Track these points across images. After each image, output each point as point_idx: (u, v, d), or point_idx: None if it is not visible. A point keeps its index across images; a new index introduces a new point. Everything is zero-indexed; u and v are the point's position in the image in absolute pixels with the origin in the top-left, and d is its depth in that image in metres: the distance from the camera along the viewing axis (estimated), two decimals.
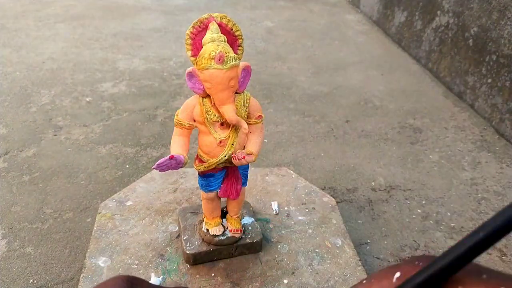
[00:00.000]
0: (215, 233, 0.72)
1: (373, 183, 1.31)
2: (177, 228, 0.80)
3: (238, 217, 0.73)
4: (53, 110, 1.60)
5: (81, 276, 0.70)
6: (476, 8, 1.76)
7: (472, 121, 1.71)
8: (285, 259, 0.75)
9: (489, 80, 1.67)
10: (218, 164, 0.62)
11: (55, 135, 1.45)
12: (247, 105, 0.59)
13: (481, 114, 1.73)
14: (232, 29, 0.57)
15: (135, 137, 1.47)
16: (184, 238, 0.73)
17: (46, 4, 2.81)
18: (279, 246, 0.77)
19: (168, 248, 0.75)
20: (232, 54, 0.54)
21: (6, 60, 1.99)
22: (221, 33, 0.55)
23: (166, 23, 2.63)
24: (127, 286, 0.18)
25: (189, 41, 0.55)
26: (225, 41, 0.55)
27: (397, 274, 0.17)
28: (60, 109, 1.61)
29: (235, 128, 0.60)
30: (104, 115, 1.59)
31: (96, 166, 1.31)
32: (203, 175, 0.65)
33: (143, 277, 0.69)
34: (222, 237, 0.72)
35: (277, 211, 0.86)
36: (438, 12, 2.06)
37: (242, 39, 0.58)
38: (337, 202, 1.04)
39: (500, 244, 1.10)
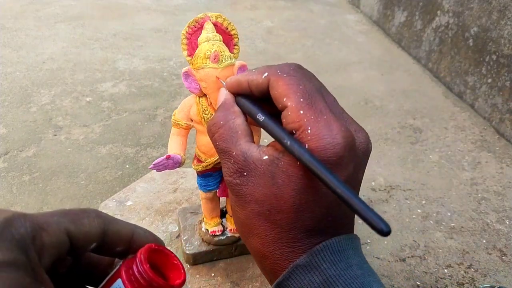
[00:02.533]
0: (214, 233, 0.72)
1: (373, 183, 1.31)
2: (177, 228, 0.80)
3: None
4: (53, 110, 1.60)
5: None
6: (476, 8, 1.76)
7: (472, 121, 1.71)
8: None
9: (489, 80, 1.67)
10: (216, 164, 0.62)
11: (55, 135, 1.45)
12: None
13: (481, 114, 1.73)
14: (227, 28, 0.57)
15: (135, 137, 1.47)
16: (184, 238, 0.73)
17: (46, 4, 2.82)
18: None
19: (168, 248, 0.75)
20: (227, 53, 0.54)
21: (6, 60, 1.99)
22: (217, 32, 0.55)
23: (166, 23, 2.63)
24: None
25: (185, 41, 0.55)
26: (220, 40, 0.55)
27: (265, 74, 0.24)
28: (60, 109, 1.61)
29: None
30: (104, 115, 1.60)
31: (96, 166, 1.31)
32: (201, 174, 0.65)
33: None
34: (221, 237, 0.72)
35: None
36: (438, 12, 2.06)
37: (238, 38, 0.58)
38: None
39: (500, 244, 1.10)
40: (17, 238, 0.16)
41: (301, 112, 0.22)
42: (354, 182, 0.24)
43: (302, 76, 0.24)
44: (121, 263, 0.21)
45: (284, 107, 0.23)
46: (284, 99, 0.23)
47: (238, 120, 0.26)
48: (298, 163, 0.22)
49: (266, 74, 0.24)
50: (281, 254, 0.24)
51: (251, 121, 0.27)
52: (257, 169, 0.23)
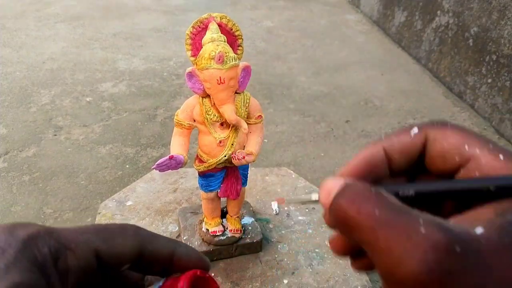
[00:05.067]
0: (215, 233, 0.72)
1: None
2: (177, 228, 0.80)
3: (238, 217, 0.73)
4: (53, 110, 1.60)
5: None
6: (476, 8, 1.76)
7: (472, 121, 1.71)
8: (285, 259, 0.75)
9: (489, 80, 1.67)
10: (218, 164, 0.62)
11: (55, 135, 1.45)
12: (247, 105, 0.59)
13: (481, 114, 1.73)
14: (232, 29, 0.57)
15: (135, 137, 1.47)
16: (184, 238, 0.73)
17: (46, 4, 2.81)
18: (279, 246, 0.77)
19: (212, 276, 0.75)
20: (232, 54, 0.54)
21: (6, 60, 1.99)
22: (221, 33, 0.55)
23: (166, 23, 2.63)
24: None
25: (189, 41, 0.56)
26: (225, 41, 0.55)
27: (415, 130, 0.19)
28: (60, 109, 1.61)
29: (235, 128, 0.60)
30: (104, 115, 1.59)
31: (96, 166, 1.31)
32: (203, 175, 0.65)
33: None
34: (222, 237, 0.72)
35: (277, 211, 0.86)
36: (438, 12, 2.06)
37: (242, 39, 0.58)
38: None
39: None
40: (39, 258, 0.15)
41: (501, 157, 0.17)
42: None
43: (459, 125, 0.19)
44: (160, 284, 0.20)
45: (468, 158, 0.18)
46: (466, 147, 0.18)
47: (415, 211, 0.16)
48: None
49: (415, 130, 0.19)
50: None
51: None
52: (475, 245, 0.15)
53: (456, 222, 0.16)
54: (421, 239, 0.14)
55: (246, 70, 0.57)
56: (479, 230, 0.15)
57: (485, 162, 0.17)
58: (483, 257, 0.14)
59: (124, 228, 0.19)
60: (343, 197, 0.17)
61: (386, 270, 0.15)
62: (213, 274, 0.71)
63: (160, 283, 0.20)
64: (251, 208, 0.81)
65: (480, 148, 0.18)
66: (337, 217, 0.16)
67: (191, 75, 0.56)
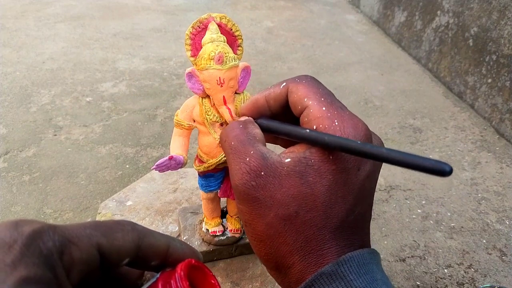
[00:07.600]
0: (215, 233, 0.72)
1: None
2: (177, 228, 0.80)
3: (238, 217, 0.73)
4: (53, 110, 1.60)
5: None
6: (476, 8, 1.76)
7: (472, 121, 1.71)
8: None
9: (489, 80, 1.67)
10: (218, 165, 0.62)
11: (55, 135, 1.45)
12: None
13: (481, 114, 1.73)
14: (231, 29, 0.57)
15: (135, 137, 1.47)
16: (184, 238, 0.73)
17: (46, 4, 2.81)
18: None
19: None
20: (231, 54, 0.54)
21: (6, 60, 1.99)
22: (221, 33, 0.55)
23: (166, 23, 2.63)
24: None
25: (189, 41, 0.56)
26: (224, 42, 0.55)
27: (283, 84, 0.26)
28: (60, 109, 1.61)
29: None
30: (104, 115, 1.60)
31: (96, 166, 1.31)
32: (203, 175, 0.65)
33: None
34: (222, 237, 0.72)
35: None
36: (438, 12, 2.06)
37: (242, 40, 0.58)
38: None
39: (500, 244, 1.10)
40: (45, 252, 0.15)
41: (324, 108, 0.23)
42: (375, 177, 0.25)
43: (318, 82, 0.26)
44: (157, 276, 0.21)
45: (305, 107, 0.24)
46: (305, 100, 0.24)
47: (257, 130, 0.26)
48: (331, 157, 0.22)
49: (284, 84, 0.26)
50: (311, 259, 0.23)
51: (268, 140, 0.27)
52: (278, 170, 0.23)
53: (288, 151, 0.24)
54: (243, 165, 0.23)
55: (246, 70, 0.57)
56: (287, 160, 0.23)
57: (312, 111, 0.24)
58: (279, 178, 0.22)
59: (121, 224, 0.19)
60: (225, 129, 0.26)
61: (231, 178, 0.24)
62: None
63: (158, 275, 0.21)
64: None
65: (313, 100, 0.24)
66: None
67: (190, 75, 0.56)
